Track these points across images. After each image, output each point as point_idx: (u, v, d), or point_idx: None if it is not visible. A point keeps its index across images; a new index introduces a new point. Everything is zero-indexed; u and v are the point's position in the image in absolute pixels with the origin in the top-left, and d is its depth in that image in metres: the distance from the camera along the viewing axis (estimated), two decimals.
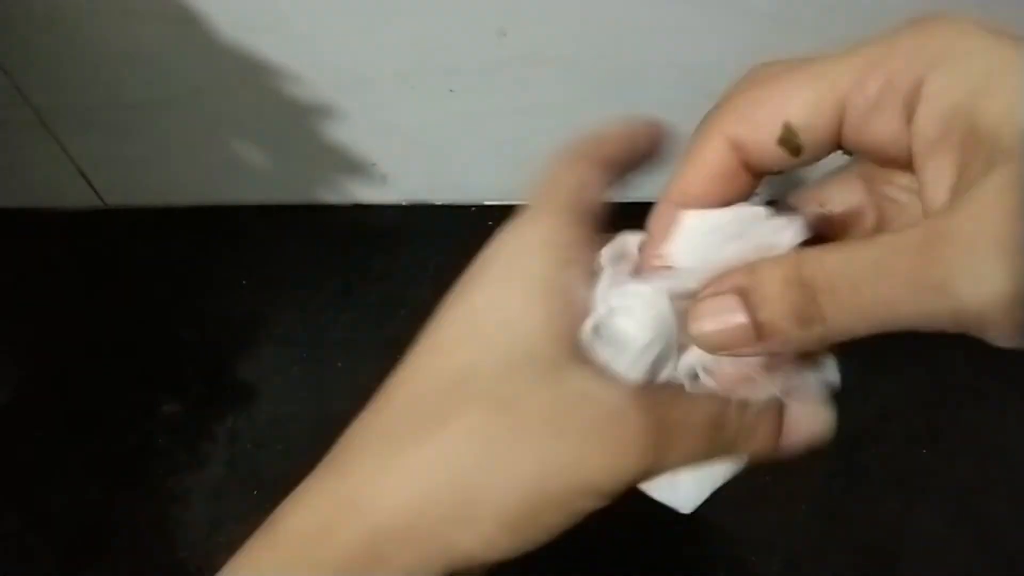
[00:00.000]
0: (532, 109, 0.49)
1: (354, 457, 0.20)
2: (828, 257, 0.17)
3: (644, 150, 0.25)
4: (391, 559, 0.18)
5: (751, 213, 0.19)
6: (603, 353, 0.19)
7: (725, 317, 0.17)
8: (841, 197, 0.21)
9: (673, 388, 0.19)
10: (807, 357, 0.20)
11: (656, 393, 0.19)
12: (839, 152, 0.19)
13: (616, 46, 0.45)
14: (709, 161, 0.21)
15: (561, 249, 0.20)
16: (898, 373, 0.42)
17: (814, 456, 0.21)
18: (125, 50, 0.45)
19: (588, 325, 0.19)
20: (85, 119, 0.50)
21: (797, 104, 0.19)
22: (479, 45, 0.44)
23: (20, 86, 0.48)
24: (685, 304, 0.18)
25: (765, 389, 0.19)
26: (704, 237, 0.19)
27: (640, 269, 0.21)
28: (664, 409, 0.19)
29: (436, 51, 0.45)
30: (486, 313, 0.20)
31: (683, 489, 0.19)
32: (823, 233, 0.20)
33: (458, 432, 0.18)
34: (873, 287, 0.16)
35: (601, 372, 0.19)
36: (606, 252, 0.21)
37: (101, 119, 0.50)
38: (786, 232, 0.18)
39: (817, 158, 0.20)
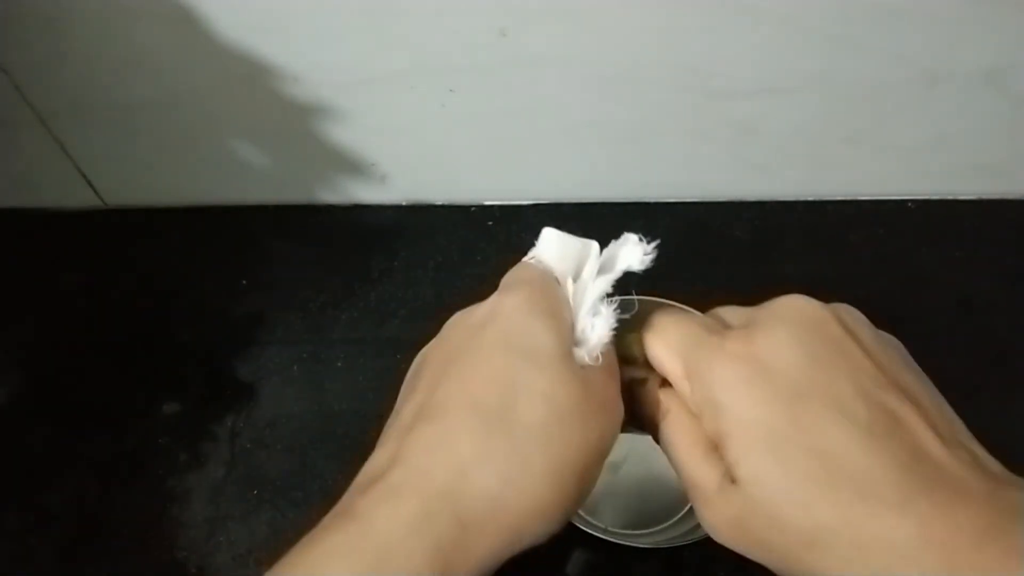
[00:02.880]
0: (532, 109, 0.49)
1: (432, 451, 0.25)
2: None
3: None
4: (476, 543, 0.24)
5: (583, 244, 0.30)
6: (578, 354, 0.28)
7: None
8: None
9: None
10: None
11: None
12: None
13: (616, 46, 0.45)
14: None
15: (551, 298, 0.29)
16: None
17: None
18: (125, 50, 0.45)
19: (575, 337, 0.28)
20: (85, 119, 0.50)
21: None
22: (479, 45, 0.44)
23: (20, 86, 0.48)
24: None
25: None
26: (558, 247, 0.30)
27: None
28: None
29: (436, 51, 0.45)
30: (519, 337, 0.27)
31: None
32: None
33: (518, 424, 0.25)
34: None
35: (592, 368, 0.27)
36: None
37: (101, 119, 0.50)
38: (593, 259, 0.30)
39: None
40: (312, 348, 0.50)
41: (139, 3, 0.43)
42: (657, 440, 0.29)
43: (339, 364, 0.49)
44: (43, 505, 0.45)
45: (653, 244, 0.29)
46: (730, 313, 0.29)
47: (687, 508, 0.42)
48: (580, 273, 0.30)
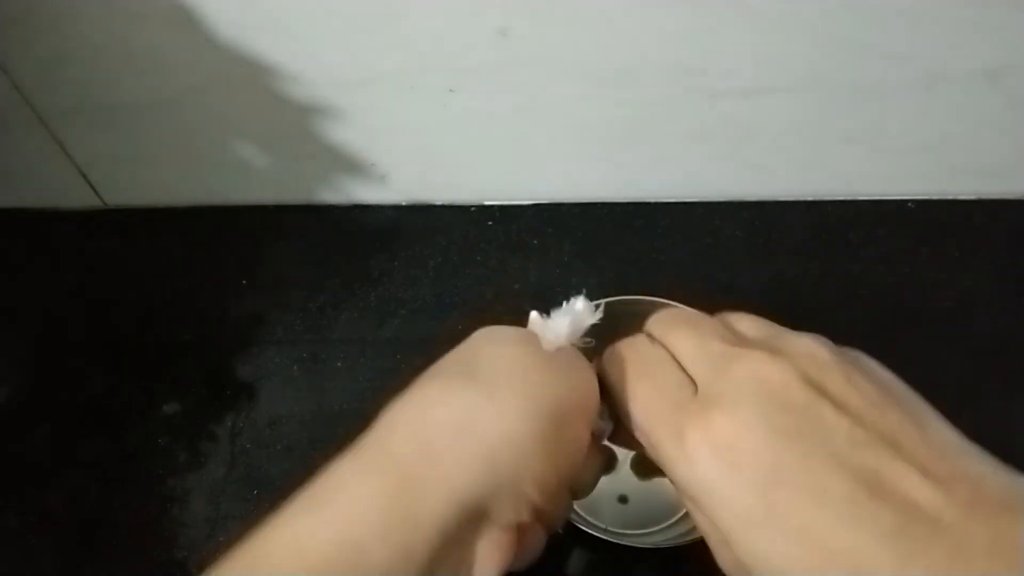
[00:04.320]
0: (532, 109, 0.49)
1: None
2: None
3: None
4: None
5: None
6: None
7: None
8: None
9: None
10: None
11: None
12: None
13: (616, 46, 0.45)
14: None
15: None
16: (897, 372, 0.42)
17: None
18: (125, 50, 0.45)
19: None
20: (85, 119, 0.50)
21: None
22: (479, 45, 0.44)
23: (20, 86, 0.48)
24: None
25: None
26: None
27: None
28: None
29: (436, 51, 0.45)
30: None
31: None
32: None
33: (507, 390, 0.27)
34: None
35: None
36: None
37: (101, 119, 0.50)
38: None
39: None
40: (312, 348, 0.50)
41: (139, 3, 0.43)
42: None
43: (339, 364, 0.49)
44: (43, 505, 0.45)
45: (601, 303, 0.30)
46: (700, 359, 0.28)
47: (687, 508, 0.42)
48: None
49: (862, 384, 0.25)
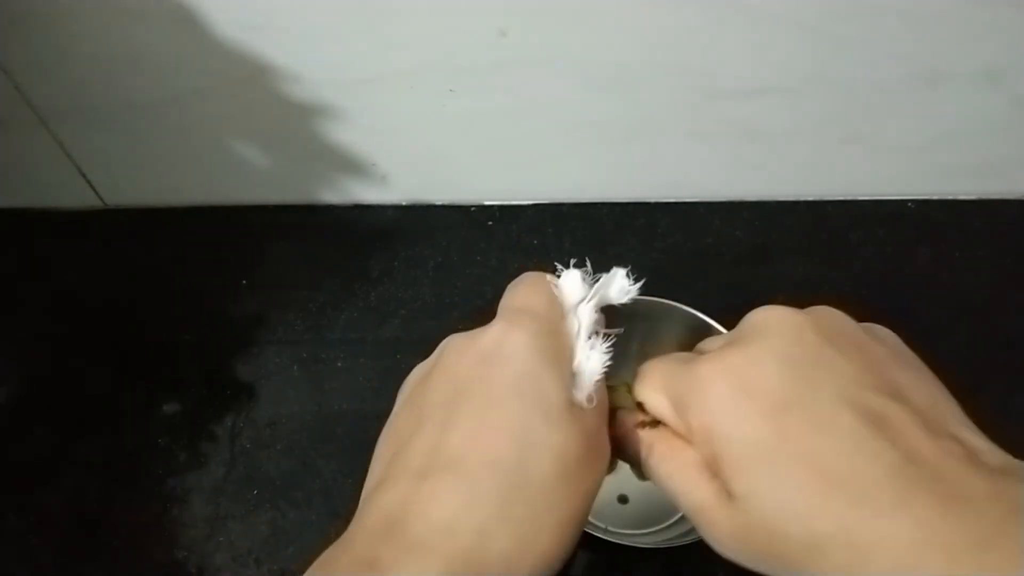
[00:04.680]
0: (532, 109, 0.49)
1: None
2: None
3: None
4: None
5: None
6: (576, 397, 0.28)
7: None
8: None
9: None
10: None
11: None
12: None
13: (616, 46, 0.45)
14: None
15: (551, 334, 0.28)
16: None
17: None
18: (125, 50, 0.45)
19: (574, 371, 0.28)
20: (85, 119, 0.50)
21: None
22: (479, 45, 0.44)
23: (20, 86, 0.48)
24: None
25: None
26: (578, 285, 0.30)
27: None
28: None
29: (436, 51, 0.45)
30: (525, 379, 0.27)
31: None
32: None
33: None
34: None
35: (587, 412, 0.27)
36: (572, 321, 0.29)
37: (101, 119, 0.50)
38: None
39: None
40: (312, 348, 0.50)
41: (139, 3, 0.43)
42: (650, 476, 0.29)
43: (339, 364, 0.49)
44: (43, 505, 0.45)
45: (638, 284, 0.29)
46: (711, 342, 0.30)
47: None
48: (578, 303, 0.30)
49: (872, 343, 0.26)
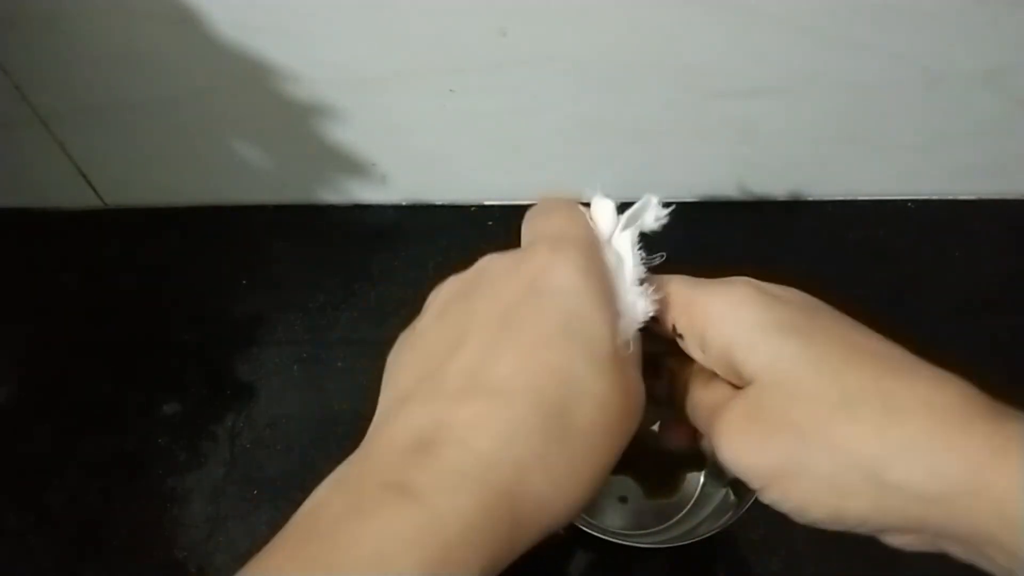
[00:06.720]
0: (532, 109, 0.49)
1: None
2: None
3: None
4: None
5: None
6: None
7: None
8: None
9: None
10: None
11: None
12: None
13: (616, 46, 0.45)
14: None
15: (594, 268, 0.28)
16: None
17: None
18: (125, 50, 0.45)
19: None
20: (85, 119, 0.50)
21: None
22: (479, 45, 0.44)
23: (20, 86, 0.48)
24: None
25: None
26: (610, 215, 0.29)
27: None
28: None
29: (436, 51, 0.45)
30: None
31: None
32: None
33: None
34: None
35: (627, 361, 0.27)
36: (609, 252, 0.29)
37: (101, 119, 0.50)
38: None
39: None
40: (312, 348, 0.50)
41: (139, 3, 0.43)
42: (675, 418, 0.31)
43: (339, 364, 0.49)
44: (43, 505, 0.45)
45: (669, 209, 0.30)
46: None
47: (687, 508, 0.42)
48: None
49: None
